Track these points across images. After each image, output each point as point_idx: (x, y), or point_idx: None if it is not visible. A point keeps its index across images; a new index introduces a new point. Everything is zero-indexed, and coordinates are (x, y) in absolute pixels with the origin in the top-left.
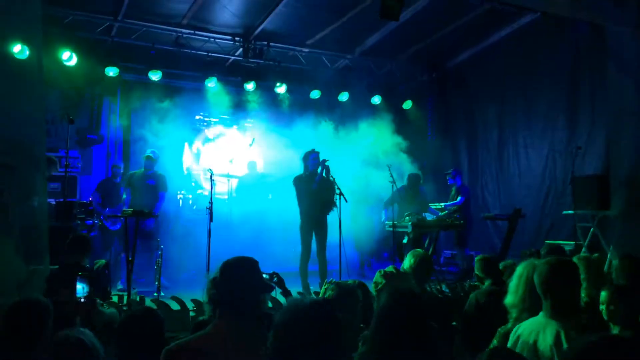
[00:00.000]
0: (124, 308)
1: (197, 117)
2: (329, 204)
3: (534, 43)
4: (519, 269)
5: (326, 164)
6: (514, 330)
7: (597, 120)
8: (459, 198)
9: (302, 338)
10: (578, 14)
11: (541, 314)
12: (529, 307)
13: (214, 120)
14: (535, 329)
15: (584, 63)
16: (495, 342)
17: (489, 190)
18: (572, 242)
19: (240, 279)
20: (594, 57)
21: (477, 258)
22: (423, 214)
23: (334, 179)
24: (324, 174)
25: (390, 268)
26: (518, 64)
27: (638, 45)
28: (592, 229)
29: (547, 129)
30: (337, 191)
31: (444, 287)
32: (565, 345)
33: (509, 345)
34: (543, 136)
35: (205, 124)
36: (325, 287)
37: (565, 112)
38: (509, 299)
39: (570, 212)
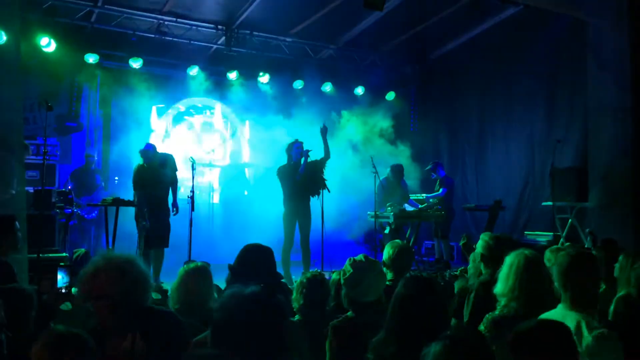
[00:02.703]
0: None
1: (179, 105)
2: (315, 189)
3: (516, 36)
4: (509, 258)
5: (309, 154)
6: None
7: (576, 112)
8: (440, 190)
9: (244, 328)
10: (559, 7)
11: (560, 305)
12: (518, 296)
13: (196, 108)
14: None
15: (564, 56)
16: (482, 327)
17: (468, 181)
18: (551, 233)
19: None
20: (574, 50)
21: (488, 235)
22: (404, 205)
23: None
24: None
25: (360, 257)
26: (500, 57)
27: (617, 40)
28: (570, 220)
29: (526, 121)
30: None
31: None
32: (585, 334)
33: None
34: (522, 128)
35: (186, 112)
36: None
37: (544, 104)
38: (499, 288)
39: (549, 203)
